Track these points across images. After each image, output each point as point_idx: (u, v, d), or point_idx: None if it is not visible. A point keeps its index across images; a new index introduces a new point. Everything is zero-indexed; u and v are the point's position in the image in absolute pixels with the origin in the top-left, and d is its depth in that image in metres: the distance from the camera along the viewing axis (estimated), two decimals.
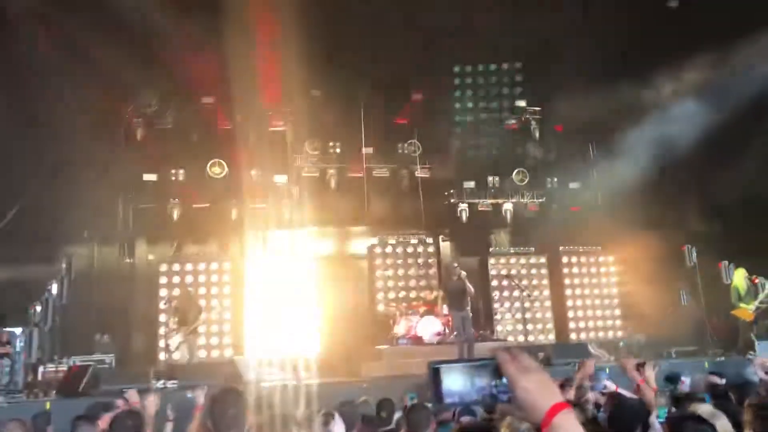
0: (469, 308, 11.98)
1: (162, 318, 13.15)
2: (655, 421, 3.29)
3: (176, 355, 11.67)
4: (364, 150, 16.01)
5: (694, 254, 14.09)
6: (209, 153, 15.07)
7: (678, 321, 15.63)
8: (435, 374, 1.32)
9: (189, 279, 13.65)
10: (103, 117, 14.13)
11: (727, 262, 13.74)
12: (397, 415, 5.93)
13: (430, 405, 4.98)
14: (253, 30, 13.53)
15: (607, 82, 15.03)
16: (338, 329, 14.90)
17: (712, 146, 14.62)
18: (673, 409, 3.60)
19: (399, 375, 10.77)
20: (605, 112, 15.82)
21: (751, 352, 11.42)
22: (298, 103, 15.65)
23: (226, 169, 14.95)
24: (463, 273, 12.02)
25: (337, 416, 4.06)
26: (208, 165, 14.83)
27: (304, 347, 13.87)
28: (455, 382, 1.30)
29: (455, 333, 11.83)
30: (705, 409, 3.24)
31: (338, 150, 16.01)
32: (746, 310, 12.75)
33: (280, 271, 14.24)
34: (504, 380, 1.30)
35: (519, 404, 1.26)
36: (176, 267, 13.78)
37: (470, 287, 11.93)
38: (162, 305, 13.13)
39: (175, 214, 14.37)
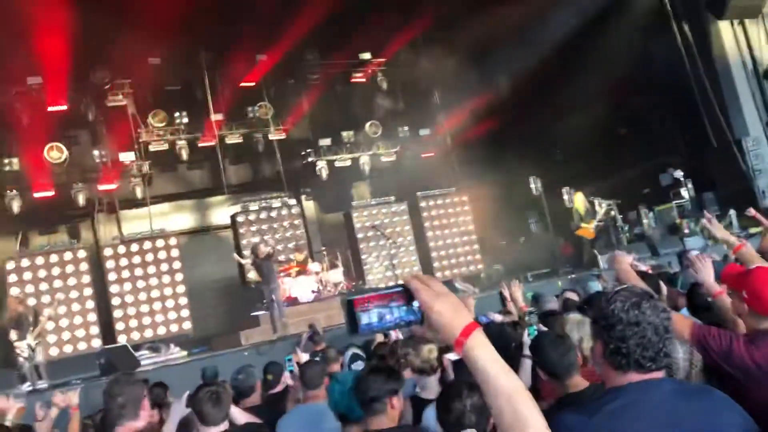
0: (279, 281, 12.09)
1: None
2: (527, 339, 3.68)
3: (38, 357, 10.91)
4: (213, 117, 15.50)
5: (539, 183, 15.11)
6: (44, 137, 13.91)
7: (530, 247, 16.97)
8: (349, 306, 1.37)
9: (42, 273, 12.70)
10: None
11: (568, 188, 14.89)
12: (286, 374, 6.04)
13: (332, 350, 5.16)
14: None
15: (445, 28, 15.60)
16: (209, 302, 14.71)
17: (544, 81, 15.71)
18: (541, 326, 4.00)
19: (279, 337, 10.89)
20: (445, 57, 16.47)
21: (595, 268, 12.64)
22: (136, 73, 14.83)
23: (66, 152, 13.91)
24: (269, 250, 12.06)
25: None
26: (45, 150, 13.69)
27: (176, 326, 13.60)
28: (369, 311, 1.36)
29: (265, 305, 11.84)
30: (574, 317, 3.69)
31: (185, 119, 15.35)
32: (588, 229, 14.05)
33: (139, 252, 13.67)
34: (416, 306, 1.37)
35: (433, 327, 1.35)
36: (25, 262, 12.74)
37: (276, 262, 12.14)
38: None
39: (15, 206, 13.21)
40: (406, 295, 1.38)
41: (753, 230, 10.98)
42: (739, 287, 2.81)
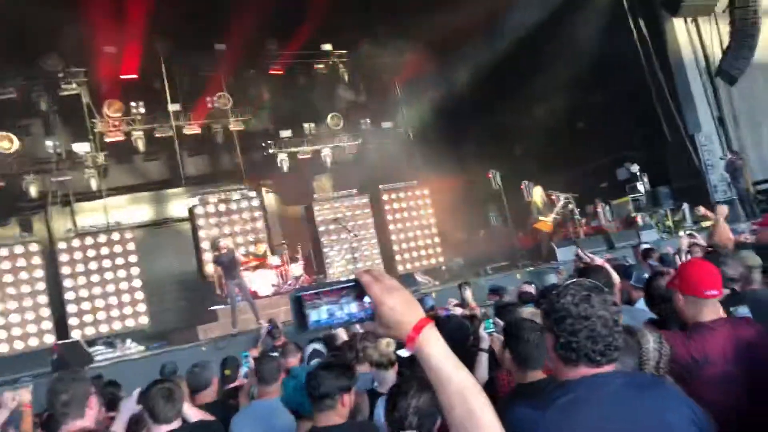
0: (242, 275, 11.87)
1: None
2: (483, 332, 3.70)
3: None
4: (170, 107, 15.20)
5: (499, 178, 15.21)
6: None
7: (490, 240, 17.13)
8: (297, 303, 1.31)
9: None
10: None
11: (527, 182, 15.01)
12: (244, 370, 5.97)
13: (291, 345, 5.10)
14: None
15: (406, 21, 15.57)
16: (167, 297, 14.45)
17: (504, 76, 15.86)
18: (497, 319, 4.02)
19: (238, 332, 10.78)
20: (407, 51, 16.48)
21: (554, 261, 12.80)
22: (91, 61, 14.45)
23: (17, 142, 13.48)
24: (229, 245, 11.95)
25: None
26: None
27: (132, 320, 13.31)
28: (319, 308, 1.31)
29: (228, 299, 11.74)
30: (527, 310, 3.71)
31: (142, 110, 15.03)
32: (546, 223, 14.23)
33: (94, 246, 13.33)
34: (367, 302, 1.31)
35: (384, 322, 1.30)
36: None
37: (239, 256, 11.95)
38: None
39: None
40: (358, 290, 1.33)
41: (705, 224, 11.29)
42: (675, 284, 2.89)
